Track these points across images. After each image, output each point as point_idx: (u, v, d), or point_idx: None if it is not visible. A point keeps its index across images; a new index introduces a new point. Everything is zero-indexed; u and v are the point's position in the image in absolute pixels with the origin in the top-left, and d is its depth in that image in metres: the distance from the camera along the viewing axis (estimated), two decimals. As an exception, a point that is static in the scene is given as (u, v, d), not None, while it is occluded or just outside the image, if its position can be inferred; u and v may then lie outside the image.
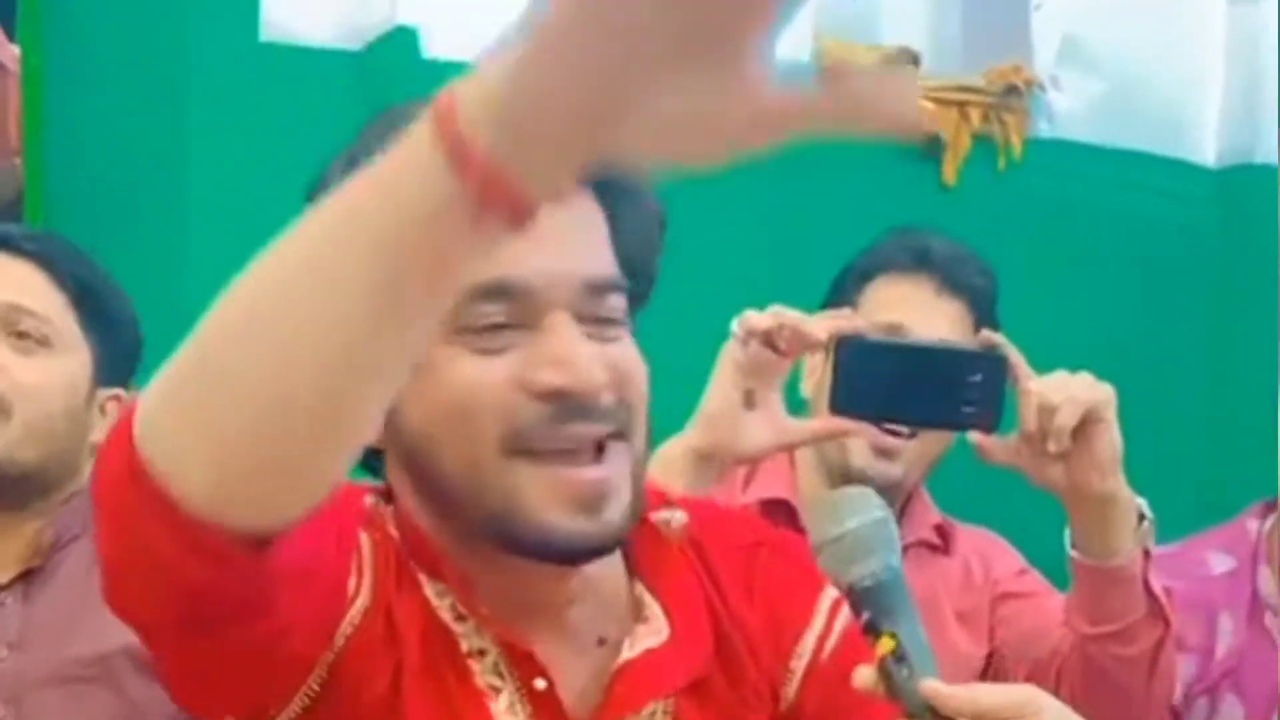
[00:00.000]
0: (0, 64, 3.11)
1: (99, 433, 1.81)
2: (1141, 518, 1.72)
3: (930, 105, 2.43)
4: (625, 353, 1.17)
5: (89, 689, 1.70)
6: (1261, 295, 2.40)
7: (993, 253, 2.13)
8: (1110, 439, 1.66)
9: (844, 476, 2.02)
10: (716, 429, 1.61)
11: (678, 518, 1.26)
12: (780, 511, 1.99)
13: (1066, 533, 1.74)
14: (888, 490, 2.03)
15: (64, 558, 1.77)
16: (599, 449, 1.14)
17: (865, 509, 1.16)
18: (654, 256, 1.23)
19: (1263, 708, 2.16)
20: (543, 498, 1.12)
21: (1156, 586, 1.75)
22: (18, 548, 1.76)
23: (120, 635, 1.72)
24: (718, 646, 1.24)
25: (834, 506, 1.17)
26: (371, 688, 1.13)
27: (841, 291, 2.09)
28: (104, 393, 1.81)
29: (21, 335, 1.76)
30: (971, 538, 2.16)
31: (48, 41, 2.16)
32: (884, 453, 2.00)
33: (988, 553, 2.14)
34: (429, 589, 1.18)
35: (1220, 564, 2.19)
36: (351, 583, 1.13)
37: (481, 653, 1.17)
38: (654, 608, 1.23)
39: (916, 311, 2.03)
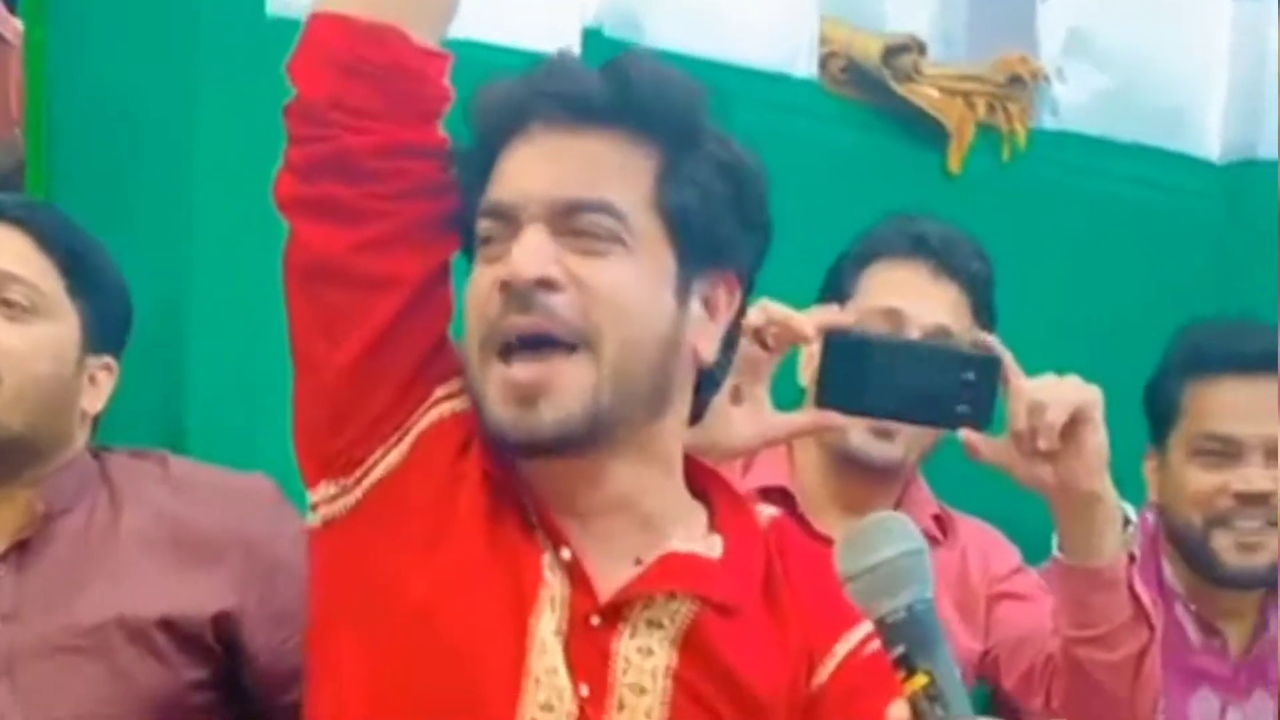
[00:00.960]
0: (2, 37, 3.10)
1: (89, 401, 1.81)
2: (1127, 522, 1.72)
3: (935, 93, 2.42)
4: (604, 273, 1.30)
5: (81, 660, 1.70)
6: (1264, 289, 2.39)
7: (995, 242, 2.12)
8: (1098, 439, 1.66)
9: (843, 457, 2.02)
10: (703, 425, 1.59)
11: (769, 511, 1.44)
12: (778, 499, 1.98)
13: (1054, 538, 1.74)
14: (888, 471, 2.04)
15: (57, 529, 1.76)
16: (538, 347, 1.27)
17: (900, 538, 1.14)
18: (717, 205, 1.34)
19: (1177, 694, 2.20)
20: (495, 393, 1.31)
21: (1142, 592, 1.75)
22: (10, 518, 1.76)
23: (113, 606, 1.73)
24: (766, 593, 1.33)
25: (867, 534, 1.14)
26: (431, 478, 1.32)
27: (838, 277, 2.08)
28: (94, 360, 1.81)
29: (9, 303, 1.75)
30: (971, 531, 2.15)
31: (50, 14, 2.15)
32: (882, 433, 1.99)
33: (986, 548, 2.14)
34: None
35: None
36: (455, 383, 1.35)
37: (533, 526, 1.33)
38: (717, 540, 1.37)
39: (913, 296, 2.02)
